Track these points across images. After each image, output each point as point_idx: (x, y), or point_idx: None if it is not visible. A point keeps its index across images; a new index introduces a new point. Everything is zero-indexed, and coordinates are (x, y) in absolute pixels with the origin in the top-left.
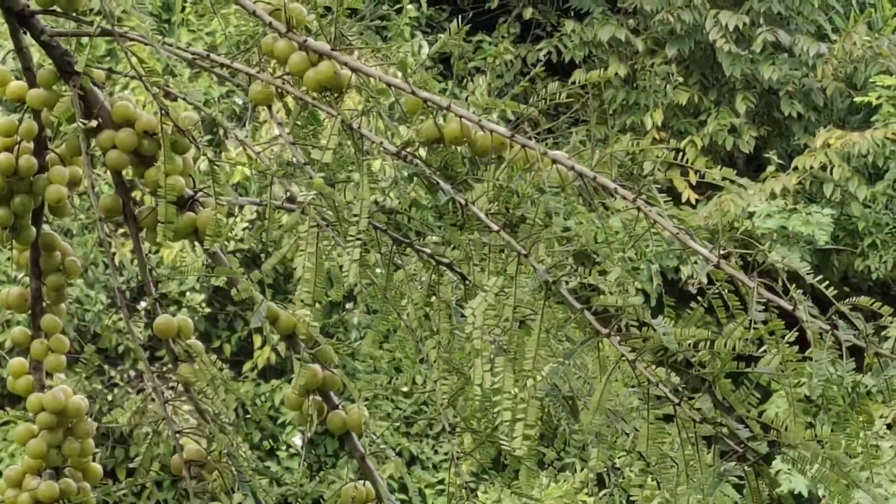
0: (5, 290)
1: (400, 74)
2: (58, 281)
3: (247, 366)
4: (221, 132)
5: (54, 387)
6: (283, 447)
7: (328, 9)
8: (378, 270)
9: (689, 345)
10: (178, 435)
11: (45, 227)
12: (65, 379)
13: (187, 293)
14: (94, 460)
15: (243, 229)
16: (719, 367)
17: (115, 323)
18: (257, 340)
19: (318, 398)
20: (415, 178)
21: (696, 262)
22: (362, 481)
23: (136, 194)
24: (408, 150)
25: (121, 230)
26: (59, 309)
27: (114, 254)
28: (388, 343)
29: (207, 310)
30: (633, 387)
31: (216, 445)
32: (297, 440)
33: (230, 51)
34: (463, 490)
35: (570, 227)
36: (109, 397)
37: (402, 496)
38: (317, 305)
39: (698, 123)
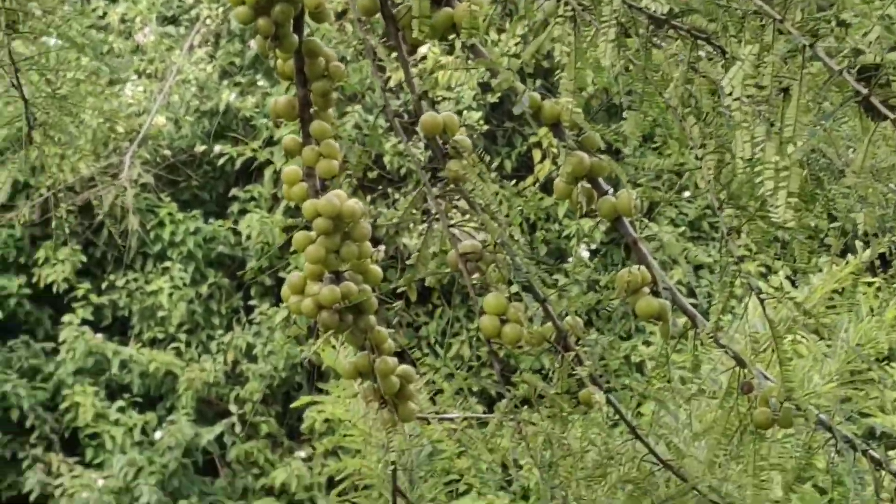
0: (273, 100)
1: None
2: (324, 87)
3: (528, 181)
4: None
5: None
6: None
7: None
8: (636, 51)
9: None
10: (451, 229)
11: (307, 34)
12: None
13: (464, 112)
14: (373, 262)
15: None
16: None
17: (394, 146)
18: (537, 155)
19: (587, 185)
20: None
21: None
22: (636, 266)
23: None
24: None
25: (393, 54)
26: (327, 115)
27: (388, 77)
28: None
29: (486, 127)
30: None
31: (490, 237)
32: (584, 252)
33: None
34: (735, 265)
35: None
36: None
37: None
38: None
39: None
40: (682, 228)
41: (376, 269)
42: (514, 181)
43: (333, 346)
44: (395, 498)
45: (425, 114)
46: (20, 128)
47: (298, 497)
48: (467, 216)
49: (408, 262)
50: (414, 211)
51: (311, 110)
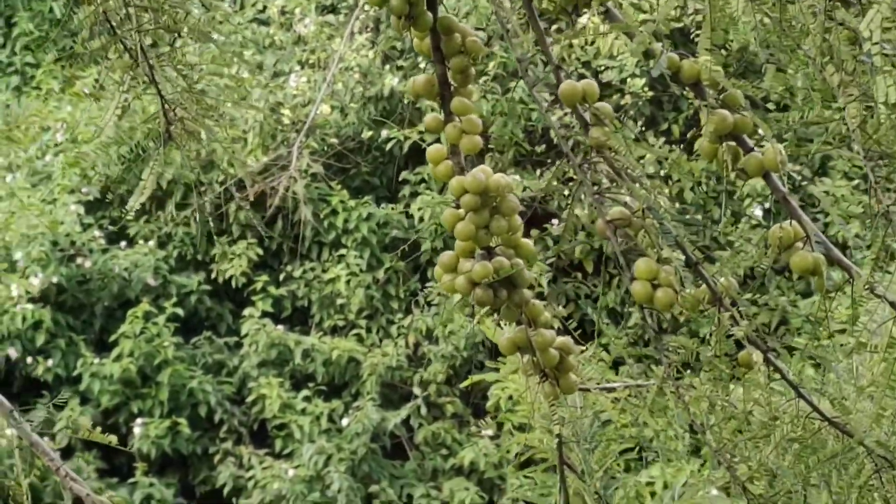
0: (412, 79)
1: None
2: (461, 63)
3: (697, 144)
4: None
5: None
6: (744, 219)
7: None
8: (772, 4)
9: None
10: (595, 197)
11: (442, 11)
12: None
13: (628, 80)
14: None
15: None
16: None
17: (560, 119)
18: (704, 117)
19: (732, 143)
20: None
21: None
22: (788, 221)
23: None
24: None
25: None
26: (467, 91)
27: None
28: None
29: (650, 93)
30: None
31: (637, 202)
32: (758, 211)
33: None
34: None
35: None
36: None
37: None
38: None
39: None
40: (856, 181)
41: (528, 243)
42: (681, 145)
43: (499, 325)
44: (562, 470)
45: (564, 82)
46: (159, 126)
47: (488, 475)
48: (614, 183)
49: (554, 234)
50: (557, 181)
51: (451, 87)
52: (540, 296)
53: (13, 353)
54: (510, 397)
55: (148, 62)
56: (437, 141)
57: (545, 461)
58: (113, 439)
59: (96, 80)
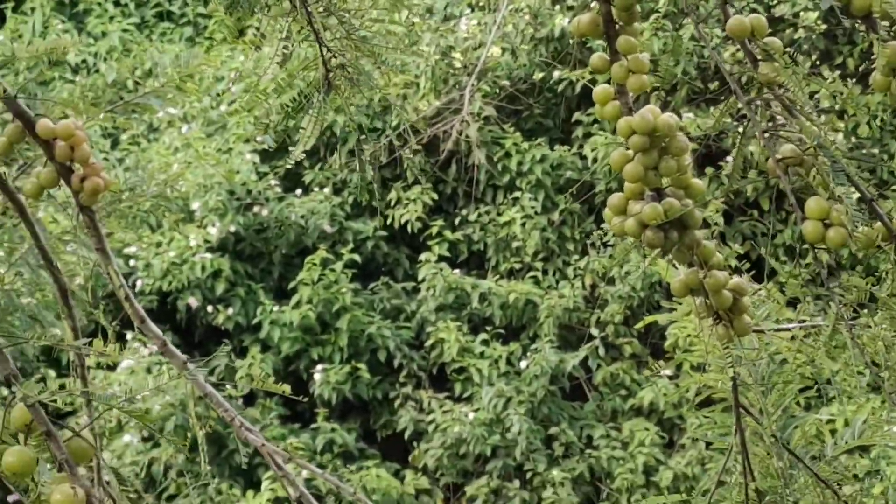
0: (577, 18)
1: None
2: (626, 0)
3: (871, 77)
4: None
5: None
6: None
7: None
8: None
9: None
10: (765, 135)
11: None
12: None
13: (801, 13)
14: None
15: None
16: None
17: (732, 55)
18: (876, 50)
19: None
20: None
21: None
22: None
23: None
24: None
25: None
26: (633, 29)
27: None
28: None
29: (823, 27)
30: None
31: (808, 139)
32: None
33: None
34: None
35: None
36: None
37: None
38: None
39: None
40: None
41: (698, 183)
42: (856, 79)
43: (673, 265)
44: (738, 412)
45: (732, 17)
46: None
47: (667, 415)
48: (785, 120)
49: (727, 172)
50: (727, 118)
51: (617, 26)
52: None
53: (194, 302)
54: (688, 337)
55: (306, 9)
56: (606, 82)
57: (723, 401)
58: (286, 389)
59: (257, 29)
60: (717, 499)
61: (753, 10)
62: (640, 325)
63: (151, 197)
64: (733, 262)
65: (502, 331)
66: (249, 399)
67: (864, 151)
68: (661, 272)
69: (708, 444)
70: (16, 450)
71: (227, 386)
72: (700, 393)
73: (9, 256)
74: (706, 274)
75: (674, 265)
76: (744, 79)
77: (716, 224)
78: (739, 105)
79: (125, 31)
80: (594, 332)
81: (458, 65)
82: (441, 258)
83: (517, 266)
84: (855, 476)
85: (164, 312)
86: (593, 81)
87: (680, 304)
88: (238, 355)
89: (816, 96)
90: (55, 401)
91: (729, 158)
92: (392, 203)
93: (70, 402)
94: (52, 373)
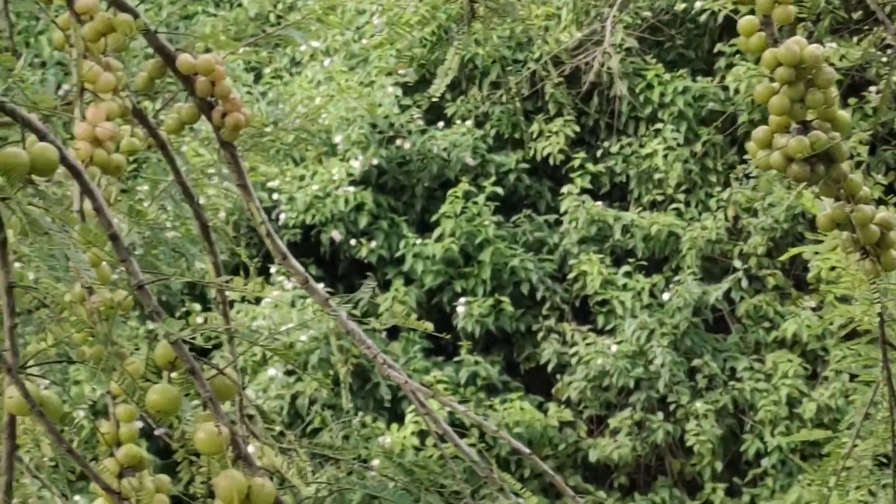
0: None
1: None
2: None
3: None
4: None
5: None
6: None
7: None
8: None
9: None
10: None
11: None
12: None
13: None
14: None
15: None
16: None
17: None
18: None
19: None
20: None
21: None
22: None
23: None
24: None
25: None
26: None
27: None
28: None
29: None
30: None
31: None
32: None
33: None
34: None
35: None
36: None
37: None
38: None
39: None
40: None
41: (844, 116)
42: None
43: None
44: (884, 347)
45: None
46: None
47: (811, 347)
48: None
49: (873, 103)
50: (874, 49)
51: None
52: (859, 166)
53: (337, 235)
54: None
55: None
56: (750, 13)
57: (868, 334)
58: (429, 326)
59: None
60: (863, 433)
61: None
62: (784, 257)
63: (293, 130)
64: (878, 194)
65: (645, 263)
66: (393, 332)
67: None
68: (806, 205)
69: (852, 377)
70: (160, 388)
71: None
72: (845, 326)
73: (153, 191)
74: (853, 208)
75: (819, 199)
76: (888, 9)
77: (859, 155)
78: (884, 35)
79: None
80: (737, 264)
81: None
82: (583, 190)
83: (659, 198)
84: None
85: (308, 246)
86: (735, 12)
87: (825, 236)
88: (381, 288)
89: None
90: (195, 338)
91: (872, 89)
92: (534, 135)
93: (215, 338)
94: (196, 306)
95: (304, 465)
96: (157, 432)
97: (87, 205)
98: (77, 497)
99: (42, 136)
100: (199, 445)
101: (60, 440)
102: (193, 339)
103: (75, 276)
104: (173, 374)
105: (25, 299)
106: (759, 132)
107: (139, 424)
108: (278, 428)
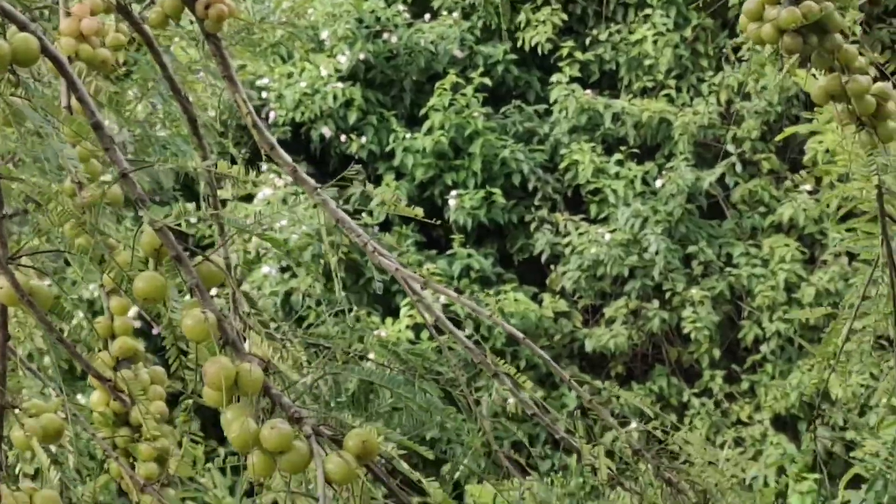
0: None
1: None
2: None
3: None
4: None
5: None
6: None
7: None
8: None
9: None
10: None
11: None
12: None
13: None
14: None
15: None
16: None
17: None
18: None
19: None
20: None
21: None
22: None
23: None
24: None
25: None
26: None
27: None
28: None
29: None
30: None
31: None
32: None
33: None
34: None
35: None
36: None
37: None
38: None
39: None
40: None
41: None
42: None
43: (812, 74)
44: (884, 222)
45: None
46: None
47: (808, 230)
48: None
49: None
50: None
51: None
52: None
53: (327, 131)
54: (827, 150)
55: None
56: None
57: (867, 213)
58: (419, 212)
59: None
60: (864, 311)
61: None
62: (779, 137)
63: (280, 25)
64: (873, 70)
65: (637, 150)
66: (385, 227)
67: None
68: (799, 82)
69: (851, 260)
70: (146, 275)
71: (362, 213)
72: (843, 206)
73: (143, 90)
74: (848, 79)
75: (813, 75)
76: None
77: (853, 34)
78: None
79: None
80: (731, 148)
81: None
82: (572, 79)
83: (650, 84)
84: None
85: (298, 143)
86: None
87: (820, 114)
88: (373, 183)
89: None
90: (181, 225)
91: None
92: (522, 25)
93: (209, 236)
94: (190, 206)
95: (299, 354)
96: (155, 331)
97: (76, 103)
98: (79, 396)
99: (22, 27)
100: (186, 332)
101: (51, 329)
102: (180, 227)
103: (66, 171)
104: (160, 263)
105: (20, 198)
106: (751, 4)
107: (137, 324)
108: (269, 318)
